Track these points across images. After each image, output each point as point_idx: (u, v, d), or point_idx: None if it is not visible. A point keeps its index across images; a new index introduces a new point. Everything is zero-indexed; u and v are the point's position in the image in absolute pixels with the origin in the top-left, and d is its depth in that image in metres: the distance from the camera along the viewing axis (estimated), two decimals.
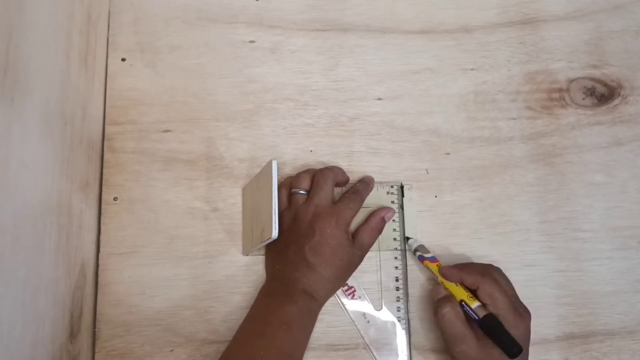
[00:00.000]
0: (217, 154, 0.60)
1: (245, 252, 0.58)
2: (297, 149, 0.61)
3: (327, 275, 0.52)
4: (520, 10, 0.65)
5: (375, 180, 0.59)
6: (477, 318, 0.50)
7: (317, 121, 0.62)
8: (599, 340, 0.57)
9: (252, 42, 0.64)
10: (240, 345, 0.50)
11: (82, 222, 0.55)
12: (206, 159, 0.60)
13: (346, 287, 0.57)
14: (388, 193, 0.60)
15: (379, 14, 0.65)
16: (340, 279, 0.54)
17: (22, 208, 0.43)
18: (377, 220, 0.56)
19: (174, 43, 0.63)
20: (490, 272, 0.53)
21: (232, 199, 0.59)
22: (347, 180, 0.58)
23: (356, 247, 0.54)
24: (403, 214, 0.59)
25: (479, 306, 0.50)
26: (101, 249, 0.58)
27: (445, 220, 0.59)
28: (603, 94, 0.63)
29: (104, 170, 0.60)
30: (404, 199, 0.60)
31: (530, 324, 0.51)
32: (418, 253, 0.57)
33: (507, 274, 0.54)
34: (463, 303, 0.51)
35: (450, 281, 0.53)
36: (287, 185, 0.57)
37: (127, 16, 0.64)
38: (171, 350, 0.56)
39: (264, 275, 0.58)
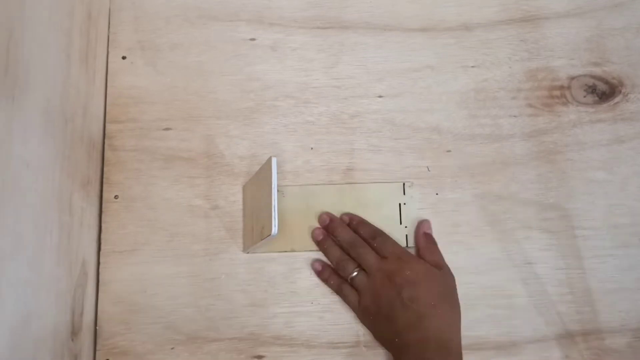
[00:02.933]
0: (217, 151, 0.60)
1: (246, 250, 0.58)
2: (298, 146, 0.61)
3: (443, 312, 0.51)
4: (521, 7, 0.65)
5: (376, 178, 0.59)
6: None
7: (317, 119, 0.62)
8: (601, 338, 0.57)
9: (252, 39, 0.64)
10: None
11: (83, 220, 0.55)
12: (207, 157, 0.60)
13: None
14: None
15: (379, 11, 0.65)
16: (453, 307, 0.53)
17: (23, 206, 0.43)
18: (423, 239, 0.57)
19: (174, 41, 0.63)
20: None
21: (233, 196, 0.59)
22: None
23: (437, 267, 0.54)
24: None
25: None
26: (102, 247, 0.58)
27: (447, 218, 0.59)
28: (604, 91, 0.63)
29: (105, 169, 0.60)
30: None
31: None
32: None
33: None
34: None
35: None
36: (343, 281, 0.56)
37: (128, 14, 0.63)
38: (172, 348, 0.56)
39: (265, 272, 0.58)
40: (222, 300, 0.57)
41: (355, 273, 0.55)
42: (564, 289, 0.58)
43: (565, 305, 0.58)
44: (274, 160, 0.50)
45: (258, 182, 0.55)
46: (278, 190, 0.49)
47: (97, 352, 0.56)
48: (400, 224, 0.59)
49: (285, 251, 0.58)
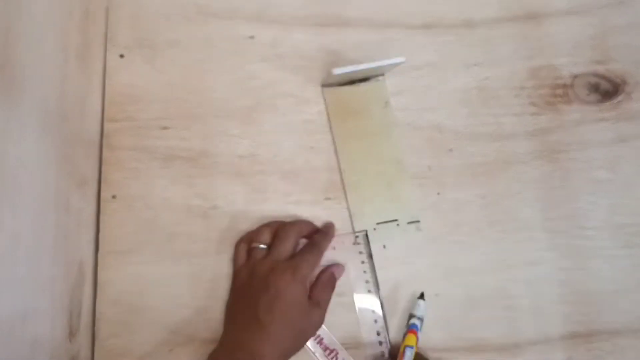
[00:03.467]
0: (216, 150, 0.60)
1: (323, 82, 0.60)
2: (298, 145, 0.60)
3: (280, 335, 0.48)
4: (524, 5, 0.65)
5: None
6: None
7: (317, 117, 0.61)
8: (603, 339, 0.57)
9: (251, 37, 0.63)
10: None
11: (81, 219, 0.54)
12: (206, 156, 0.60)
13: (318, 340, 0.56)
14: (354, 244, 0.59)
15: (380, 8, 0.64)
16: (296, 340, 0.51)
17: (20, 206, 0.43)
18: (327, 275, 0.55)
19: (172, 39, 0.62)
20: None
21: (232, 196, 0.59)
22: (314, 230, 0.57)
23: (314, 304, 0.52)
24: (373, 263, 0.58)
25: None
26: (100, 247, 0.57)
27: (448, 217, 0.59)
28: (607, 90, 0.63)
29: (103, 168, 0.59)
30: (371, 246, 0.58)
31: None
32: (412, 321, 0.56)
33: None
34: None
35: None
36: (247, 240, 0.56)
37: (126, 12, 0.63)
38: (170, 350, 0.55)
39: None
40: (220, 301, 0.57)
41: (261, 246, 0.54)
42: (567, 290, 0.58)
43: (568, 306, 0.57)
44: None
45: None
46: None
47: (95, 354, 0.55)
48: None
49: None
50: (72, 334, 0.52)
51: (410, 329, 0.54)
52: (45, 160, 0.48)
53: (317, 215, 0.59)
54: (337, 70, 0.55)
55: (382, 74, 0.61)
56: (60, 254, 0.50)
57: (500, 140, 0.61)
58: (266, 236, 0.55)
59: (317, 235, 0.56)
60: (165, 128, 0.60)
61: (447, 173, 0.60)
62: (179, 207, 0.58)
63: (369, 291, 0.57)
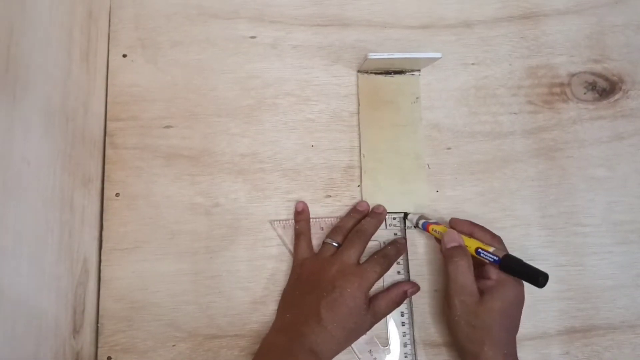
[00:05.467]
0: (218, 149, 0.61)
1: (360, 68, 0.62)
2: (298, 144, 0.61)
3: (337, 335, 0.50)
4: (521, 4, 0.65)
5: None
6: (497, 260, 0.50)
7: (318, 116, 0.62)
8: (600, 335, 0.58)
9: (253, 37, 0.64)
10: None
11: (84, 218, 0.55)
12: (208, 155, 0.60)
13: None
14: (390, 225, 0.60)
15: (379, 8, 0.65)
16: (347, 341, 0.53)
17: (24, 204, 0.43)
18: (399, 292, 0.56)
19: (175, 39, 0.63)
20: (499, 238, 0.54)
21: (234, 194, 0.60)
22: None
23: (370, 313, 0.53)
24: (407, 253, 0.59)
25: (495, 249, 0.51)
26: (103, 244, 0.58)
27: (447, 215, 0.59)
28: (604, 88, 0.63)
29: (106, 166, 0.60)
30: (407, 229, 0.60)
31: (523, 297, 0.52)
32: (422, 221, 0.57)
33: None
34: (479, 250, 0.52)
35: (461, 230, 0.54)
36: (306, 232, 0.58)
37: (128, 12, 0.63)
38: (173, 345, 0.56)
39: (266, 269, 0.58)
40: (223, 298, 0.57)
41: (334, 243, 0.56)
42: (564, 286, 0.58)
43: (565, 302, 0.58)
44: None
45: None
46: None
47: (99, 350, 0.56)
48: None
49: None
50: (76, 330, 0.52)
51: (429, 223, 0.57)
52: (49, 158, 0.48)
53: (317, 212, 0.59)
54: (373, 55, 0.57)
55: (419, 70, 0.62)
56: (64, 252, 0.50)
57: (498, 138, 0.62)
58: (340, 236, 0.56)
59: (391, 248, 0.57)
60: (167, 127, 0.61)
61: (445, 171, 0.61)
62: (181, 205, 0.59)
63: (399, 272, 0.58)
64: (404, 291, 0.56)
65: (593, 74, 0.64)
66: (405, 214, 0.59)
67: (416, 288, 0.57)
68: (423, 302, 0.58)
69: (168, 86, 0.62)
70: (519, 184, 0.60)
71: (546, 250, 0.59)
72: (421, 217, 0.58)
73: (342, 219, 0.58)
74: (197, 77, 0.62)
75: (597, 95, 0.63)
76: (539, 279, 0.48)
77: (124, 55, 0.62)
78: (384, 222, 0.59)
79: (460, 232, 0.54)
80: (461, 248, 0.53)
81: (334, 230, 0.57)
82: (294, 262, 0.57)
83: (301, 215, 0.58)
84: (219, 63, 0.63)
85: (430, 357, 0.57)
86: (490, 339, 0.49)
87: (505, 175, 0.61)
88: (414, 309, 0.58)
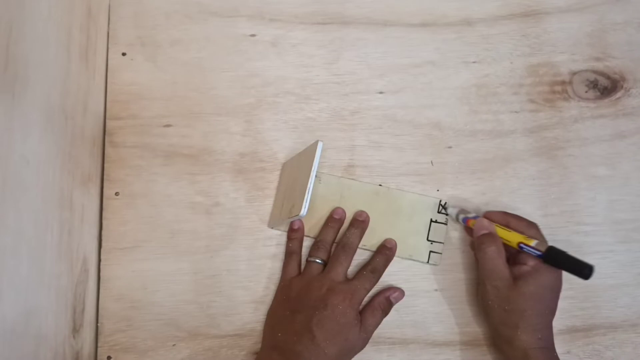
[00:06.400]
0: (218, 148, 0.60)
1: (271, 225, 0.58)
2: (299, 143, 0.61)
3: (331, 353, 0.50)
4: (523, 2, 0.65)
5: (378, 173, 0.59)
6: (539, 254, 0.50)
7: (318, 115, 0.62)
8: (601, 334, 0.57)
9: (253, 35, 0.63)
10: None
11: (84, 217, 0.55)
12: (207, 154, 0.60)
13: None
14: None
15: (380, 6, 0.64)
16: (342, 358, 0.52)
17: (24, 203, 0.43)
18: (382, 301, 0.56)
19: (174, 37, 0.63)
20: (536, 225, 0.54)
21: (234, 193, 0.59)
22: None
23: (362, 330, 0.53)
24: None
25: (538, 243, 0.51)
26: (103, 243, 0.58)
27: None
28: (606, 86, 0.63)
29: (105, 165, 0.60)
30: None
31: (560, 282, 0.53)
32: (461, 216, 0.57)
33: None
34: (521, 245, 0.51)
35: (496, 220, 0.54)
36: (298, 251, 0.57)
37: (128, 10, 0.63)
38: (173, 345, 0.56)
39: (266, 268, 0.58)
40: (223, 297, 0.57)
41: (318, 261, 0.55)
42: (565, 285, 0.58)
43: (566, 301, 0.58)
44: (320, 145, 0.50)
45: (299, 162, 0.55)
46: (316, 176, 0.50)
47: (99, 349, 0.56)
48: (427, 239, 0.58)
49: (307, 236, 0.58)
50: (75, 329, 0.52)
51: (469, 218, 0.56)
52: (48, 157, 0.48)
53: None
54: (273, 226, 0.58)
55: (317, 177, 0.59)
56: (63, 251, 0.50)
57: (499, 137, 0.61)
58: (323, 252, 0.56)
59: (379, 259, 0.56)
60: (167, 126, 0.61)
61: (446, 170, 0.60)
62: (181, 204, 0.59)
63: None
64: (386, 298, 0.56)
65: (594, 72, 0.63)
66: (443, 205, 0.59)
67: (399, 292, 0.57)
68: (423, 301, 0.58)
69: (168, 85, 0.62)
70: (520, 183, 0.60)
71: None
72: (461, 210, 0.57)
73: (321, 231, 0.58)
74: (197, 76, 0.62)
75: (598, 93, 0.63)
76: (584, 270, 0.48)
77: (124, 54, 0.62)
78: None
79: (496, 222, 0.54)
80: (490, 235, 0.53)
81: (315, 246, 0.57)
82: (281, 281, 0.57)
83: (296, 233, 0.58)
84: (218, 61, 0.63)
85: (430, 357, 0.57)
86: (524, 323, 0.50)
87: (507, 174, 0.60)
88: (413, 308, 0.58)
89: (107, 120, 0.61)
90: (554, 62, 0.63)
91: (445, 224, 0.59)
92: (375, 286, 0.56)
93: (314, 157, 0.50)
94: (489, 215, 0.56)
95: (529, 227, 0.54)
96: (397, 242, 0.58)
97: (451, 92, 0.62)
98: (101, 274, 0.57)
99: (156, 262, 0.58)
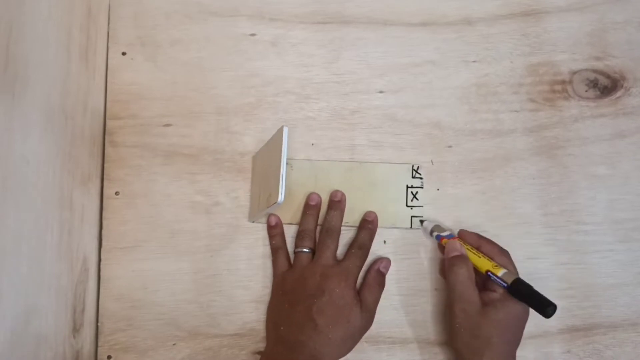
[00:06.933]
0: (218, 147, 0.60)
1: (252, 219, 0.58)
2: (299, 142, 0.61)
3: (335, 337, 0.50)
4: (523, 1, 0.65)
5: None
6: (505, 285, 0.50)
7: (318, 114, 0.62)
8: (602, 333, 0.57)
9: (253, 35, 0.63)
10: None
11: (84, 216, 0.55)
12: (207, 153, 0.60)
13: None
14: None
15: (380, 6, 0.64)
16: (348, 341, 0.52)
17: (24, 203, 0.43)
18: (373, 275, 0.56)
19: (174, 37, 0.63)
20: (507, 253, 0.54)
21: (234, 192, 0.59)
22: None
23: (362, 309, 0.53)
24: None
25: (505, 273, 0.50)
26: (103, 243, 0.58)
27: (448, 213, 0.59)
28: (606, 85, 0.63)
29: (105, 165, 0.60)
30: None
31: (527, 314, 0.52)
32: (435, 233, 0.57)
33: None
34: (489, 273, 0.51)
35: (469, 242, 0.54)
36: (283, 246, 0.57)
37: (128, 10, 0.63)
38: (174, 344, 0.56)
39: (266, 268, 0.58)
40: (223, 297, 0.57)
41: (305, 250, 0.55)
42: (565, 284, 0.58)
43: (566, 301, 0.58)
44: (285, 130, 0.51)
45: (268, 151, 0.55)
46: (287, 163, 0.50)
47: (99, 349, 0.56)
48: (407, 205, 0.59)
49: (287, 223, 0.59)
50: (75, 329, 0.52)
51: (450, 237, 0.55)
52: (48, 157, 0.48)
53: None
54: (254, 219, 0.58)
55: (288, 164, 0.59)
56: (63, 250, 0.50)
57: (499, 136, 0.61)
58: (308, 241, 0.56)
59: (363, 235, 0.57)
60: (167, 125, 0.61)
61: (446, 169, 0.60)
62: (181, 203, 0.59)
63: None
64: (377, 270, 0.56)
65: (595, 71, 0.63)
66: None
67: (386, 261, 0.57)
68: (424, 300, 0.58)
69: (168, 84, 0.62)
70: (520, 182, 0.60)
71: (547, 249, 0.59)
72: (435, 227, 0.57)
73: (301, 220, 0.58)
74: (197, 75, 0.62)
75: (598, 92, 0.63)
76: (546, 309, 0.48)
77: (124, 54, 0.62)
78: None
79: (468, 244, 0.54)
80: (461, 257, 0.52)
81: (299, 236, 0.57)
82: (274, 278, 0.57)
83: (275, 229, 0.58)
84: (218, 61, 0.63)
85: (430, 357, 0.57)
86: (491, 350, 0.49)
87: (507, 173, 0.60)
88: (413, 308, 0.58)
89: (107, 120, 0.61)
90: (554, 61, 0.63)
91: (422, 187, 0.60)
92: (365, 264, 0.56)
93: (281, 143, 0.50)
94: (462, 236, 0.56)
95: (501, 254, 0.53)
96: (378, 213, 0.58)
97: (451, 92, 0.62)
98: (101, 273, 0.57)
99: (156, 261, 0.58)
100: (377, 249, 0.59)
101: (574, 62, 0.63)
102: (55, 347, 0.48)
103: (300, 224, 0.58)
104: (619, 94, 0.63)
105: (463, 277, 0.51)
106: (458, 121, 0.62)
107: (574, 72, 0.63)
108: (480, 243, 0.54)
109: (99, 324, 0.56)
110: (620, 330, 0.58)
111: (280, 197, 0.49)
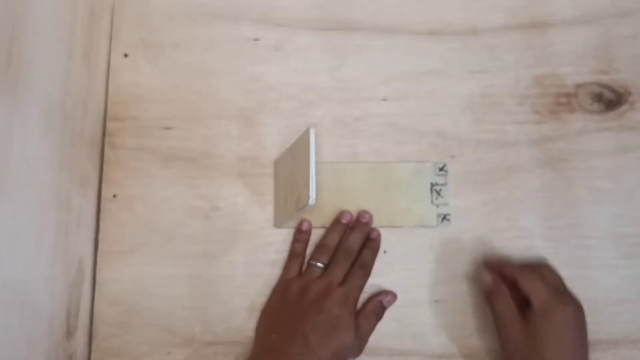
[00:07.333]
0: (218, 152, 0.60)
1: (278, 225, 0.58)
2: None
3: (324, 357, 0.49)
4: (529, 13, 0.64)
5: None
6: None
7: (321, 121, 0.61)
8: (603, 349, 0.57)
9: (256, 39, 0.63)
10: None
11: (81, 218, 0.54)
12: (207, 157, 0.60)
13: None
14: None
15: (385, 13, 0.64)
16: None
17: (21, 203, 0.43)
18: (374, 305, 0.55)
19: (177, 39, 0.62)
20: (531, 263, 0.53)
21: (233, 198, 0.59)
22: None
23: (356, 334, 0.52)
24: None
25: None
26: (99, 246, 0.57)
27: (450, 224, 0.59)
28: (611, 99, 0.63)
29: (104, 167, 0.59)
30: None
31: (580, 316, 0.50)
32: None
33: None
34: None
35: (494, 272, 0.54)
36: (302, 254, 0.57)
37: (131, 11, 0.63)
38: (168, 353, 0.55)
39: (264, 275, 0.57)
40: (220, 303, 0.56)
41: (319, 265, 0.55)
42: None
43: None
44: (312, 132, 0.50)
45: (293, 154, 0.55)
46: None
47: (92, 353, 0.55)
48: (432, 203, 0.59)
49: (317, 227, 0.58)
50: (69, 332, 0.52)
51: None
52: (47, 157, 0.47)
53: None
54: (282, 224, 0.57)
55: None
56: (59, 253, 0.50)
57: (503, 147, 0.61)
58: (326, 257, 0.55)
59: (366, 254, 0.56)
60: (167, 128, 0.60)
61: (449, 179, 0.60)
62: (179, 207, 0.58)
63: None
64: (379, 302, 0.55)
65: (600, 85, 0.63)
66: (441, 168, 0.59)
67: (392, 296, 0.56)
68: (423, 312, 0.57)
69: (169, 87, 0.61)
70: (523, 194, 0.60)
71: (550, 263, 0.58)
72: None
73: (326, 234, 0.57)
74: (199, 78, 0.62)
75: (603, 106, 0.62)
76: None
77: (125, 55, 0.62)
78: None
79: (495, 274, 0.54)
80: (498, 290, 0.53)
81: (319, 250, 0.56)
82: (279, 281, 0.56)
83: (303, 235, 0.57)
84: (221, 64, 0.62)
85: None
86: None
87: (510, 185, 0.60)
88: (413, 319, 0.57)
89: (107, 122, 0.60)
90: (559, 73, 0.63)
91: (445, 184, 0.59)
92: (369, 290, 0.56)
93: (308, 145, 0.50)
94: (489, 268, 0.55)
95: (522, 268, 0.53)
96: (403, 213, 0.58)
97: (455, 101, 0.62)
98: (96, 277, 0.57)
99: (153, 266, 0.57)
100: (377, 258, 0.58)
101: (579, 75, 0.63)
102: (49, 350, 0.48)
103: (325, 236, 0.57)
104: (623, 108, 0.62)
105: (504, 308, 0.51)
106: (462, 131, 0.61)
107: (579, 85, 0.63)
108: (503, 270, 0.54)
109: (92, 328, 0.56)
110: (621, 346, 0.57)
111: (312, 199, 0.48)
